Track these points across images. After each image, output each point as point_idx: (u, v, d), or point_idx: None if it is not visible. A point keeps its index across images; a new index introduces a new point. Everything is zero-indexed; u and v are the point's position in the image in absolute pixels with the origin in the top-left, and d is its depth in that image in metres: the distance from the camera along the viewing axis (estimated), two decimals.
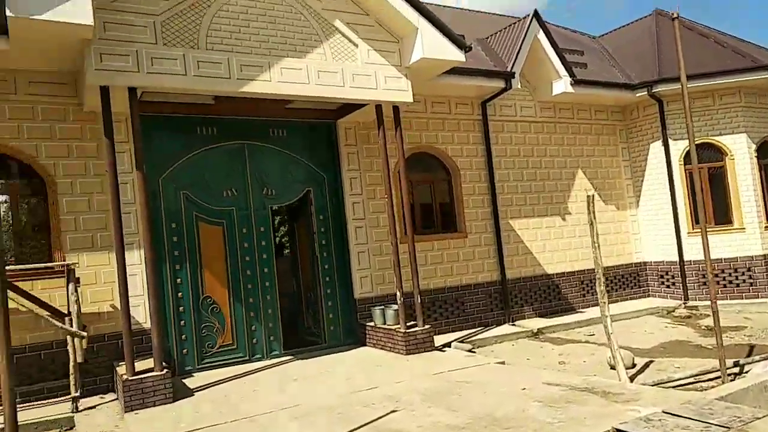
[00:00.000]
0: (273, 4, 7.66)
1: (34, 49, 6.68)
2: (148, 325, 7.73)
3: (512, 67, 10.69)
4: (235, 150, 8.71)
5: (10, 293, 6.59)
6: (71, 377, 6.51)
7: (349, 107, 9.08)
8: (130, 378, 6.29)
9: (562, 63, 11.44)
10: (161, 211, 8.08)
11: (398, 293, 8.32)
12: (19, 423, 3.43)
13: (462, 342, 9.28)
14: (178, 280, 8.08)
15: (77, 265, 7.20)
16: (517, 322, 10.76)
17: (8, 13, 5.73)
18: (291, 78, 7.62)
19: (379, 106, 8.50)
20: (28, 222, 7.58)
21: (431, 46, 8.29)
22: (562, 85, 11.46)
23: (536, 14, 11.33)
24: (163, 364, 6.61)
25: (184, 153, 8.35)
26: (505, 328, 10.30)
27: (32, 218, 7.58)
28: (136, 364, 6.49)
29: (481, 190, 11.01)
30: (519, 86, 10.84)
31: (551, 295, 11.55)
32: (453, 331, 10.15)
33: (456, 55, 8.59)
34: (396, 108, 8.64)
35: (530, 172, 11.70)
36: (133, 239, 7.69)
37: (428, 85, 9.81)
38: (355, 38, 8.18)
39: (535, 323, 10.54)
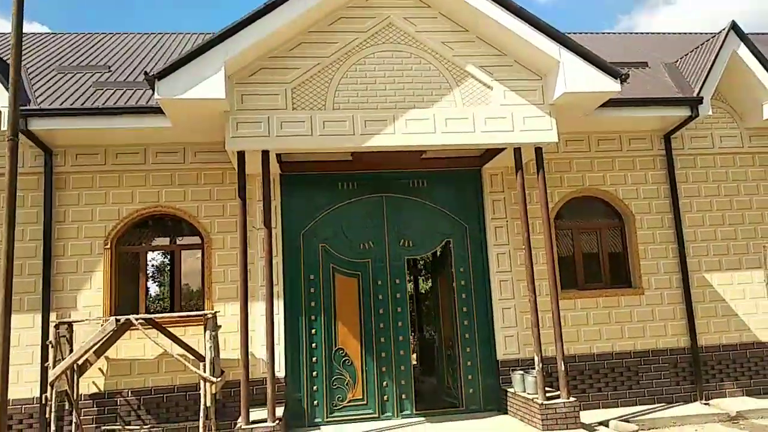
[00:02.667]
0: (401, 58, 7.62)
1: (190, 124, 7.62)
2: (282, 373, 8.11)
3: (699, 92, 8.94)
4: (374, 203, 8.77)
5: (158, 335, 7.49)
6: (200, 420, 7.05)
7: (492, 152, 8.54)
8: (243, 427, 6.57)
9: None
10: (300, 264, 8.47)
11: (536, 358, 7.35)
12: None
13: (627, 421, 7.78)
14: (313, 331, 8.32)
15: (219, 313, 7.88)
16: (712, 401, 8.69)
17: (156, 95, 6.65)
18: (416, 129, 7.43)
19: (518, 149, 7.79)
20: (190, 274, 8.60)
21: (575, 78, 7.38)
22: None
23: (734, 26, 9.39)
24: (277, 415, 6.77)
25: (324, 208, 8.69)
26: (693, 408, 8.38)
27: (191, 271, 8.58)
28: (258, 412, 6.78)
29: (664, 238, 9.30)
30: (710, 113, 9.00)
31: (766, 369, 9.11)
32: (622, 406, 8.60)
33: (608, 86, 7.51)
34: (538, 149, 7.82)
35: (735, 214, 9.55)
36: (274, 290, 8.13)
37: (590, 121, 8.76)
38: (488, 81, 7.68)
39: (737, 404, 8.39)
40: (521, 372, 7.81)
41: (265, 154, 7.26)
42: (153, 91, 6.65)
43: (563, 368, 7.30)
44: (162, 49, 11.00)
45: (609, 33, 14.96)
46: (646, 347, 8.92)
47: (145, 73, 6.54)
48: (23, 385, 7.79)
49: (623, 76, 7.48)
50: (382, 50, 7.56)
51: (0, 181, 8.13)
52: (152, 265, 8.65)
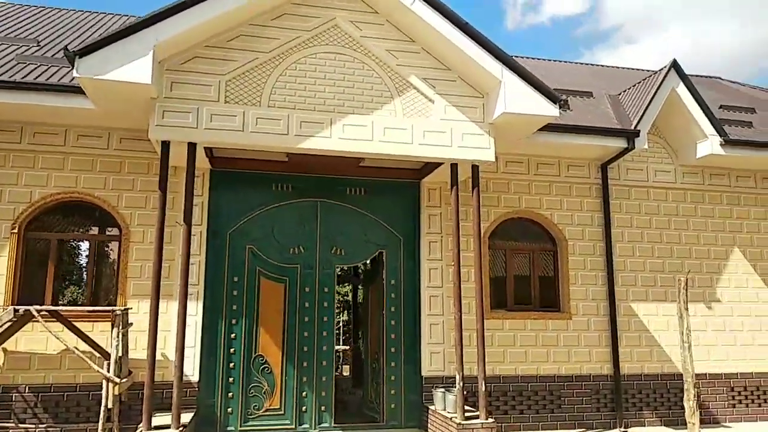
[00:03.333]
0: (344, 62, 7.44)
1: (114, 108, 7.19)
2: (195, 378, 7.72)
3: (637, 125, 9.13)
4: (308, 207, 8.53)
5: (63, 330, 6.99)
6: (100, 422, 6.59)
7: (431, 166, 8.45)
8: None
9: (709, 120, 9.53)
10: (225, 264, 8.13)
11: (458, 376, 7.22)
12: None
13: None
14: (233, 335, 7.97)
15: (132, 310, 7.45)
16: (630, 429, 8.76)
17: (75, 73, 6.24)
18: (353, 135, 7.25)
19: (454, 165, 7.71)
20: (104, 267, 8.12)
21: (514, 99, 7.36)
22: (708, 146, 9.52)
23: (674, 64, 9.68)
24: (182, 421, 6.38)
25: (256, 208, 8.38)
26: None
27: (106, 264, 8.10)
28: (166, 417, 6.38)
29: (595, 265, 9.40)
30: (646, 146, 9.19)
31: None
32: (543, 430, 8.58)
33: (546, 110, 7.52)
34: (475, 167, 7.76)
35: (664, 247, 9.75)
36: (193, 290, 7.78)
37: (530, 144, 8.81)
38: (431, 94, 7.59)
39: None
40: (443, 390, 7.67)
41: (192, 146, 6.91)
42: (73, 68, 6.24)
43: (483, 388, 7.19)
44: (103, 29, 10.48)
45: (562, 61, 15.25)
46: (571, 372, 8.95)
47: (65, 49, 6.13)
48: None
49: (562, 101, 7.55)
50: (325, 51, 7.37)
51: None
52: (65, 255, 8.08)
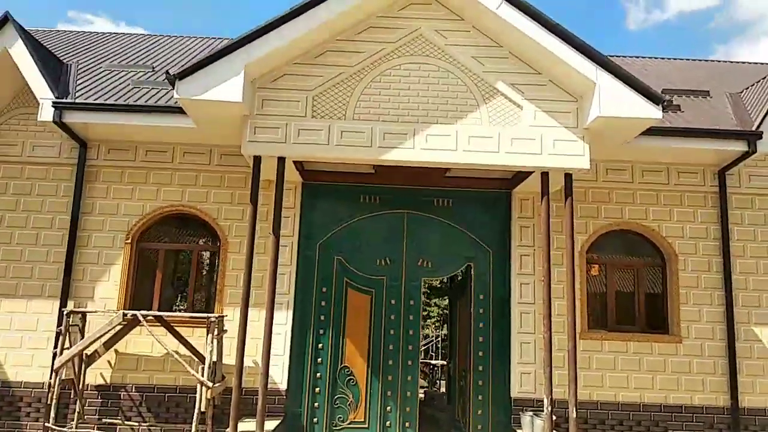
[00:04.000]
0: (428, 71, 7.35)
1: (212, 126, 7.63)
2: (284, 386, 7.93)
3: (759, 126, 8.17)
4: (395, 219, 8.51)
5: (166, 334, 7.48)
6: (193, 424, 6.95)
7: (523, 175, 8.10)
8: None
9: None
10: (314, 275, 8.31)
11: (546, 400, 6.77)
12: None
13: None
14: (320, 346, 8.10)
15: (227, 317, 7.82)
16: None
17: (175, 95, 6.71)
18: (436, 145, 7.12)
19: (545, 174, 7.32)
20: (205, 276, 8.61)
21: (610, 102, 6.86)
22: None
23: None
24: (266, 428, 6.56)
25: (345, 220, 8.51)
26: None
27: (207, 273, 8.59)
28: (247, 423, 6.61)
29: (710, 283, 8.49)
30: None
31: None
32: None
33: (647, 112, 6.91)
34: (568, 175, 7.32)
35: None
36: (283, 299, 8.04)
37: (633, 149, 8.21)
38: (519, 99, 7.29)
39: None
40: (531, 414, 7.28)
41: (281, 160, 7.16)
42: (174, 90, 6.72)
43: (575, 415, 6.68)
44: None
45: (679, 59, 14.07)
46: (679, 402, 8.12)
47: (167, 73, 6.61)
48: (36, 369, 8.02)
49: (665, 102, 6.89)
50: (409, 62, 7.34)
51: (35, 170, 8.51)
52: (171, 264, 8.68)
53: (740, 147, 8.18)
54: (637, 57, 13.75)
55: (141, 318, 7.24)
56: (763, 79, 9.38)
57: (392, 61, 7.34)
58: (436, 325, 27.48)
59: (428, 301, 27.61)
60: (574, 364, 6.84)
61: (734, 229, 8.65)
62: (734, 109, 9.21)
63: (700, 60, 14.40)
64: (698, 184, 8.80)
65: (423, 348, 21.06)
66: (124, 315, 7.27)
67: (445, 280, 11.70)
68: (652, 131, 7.67)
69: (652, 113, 6.91)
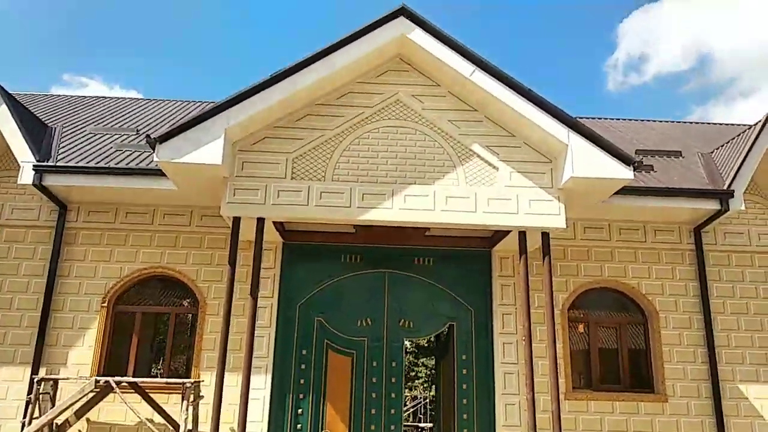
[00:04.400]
0: (406, 134, 7.53)
1: (193, 188, 7.69)
2: None
3: (730, 185, 8.39)
4: (376, 278, 8.50)
5: (141, 401, 7.25)
6: None
7: (501, 234, 8.18)
8: None
9: None
10: (294, 337, 8.19)
11: None
12: None
13: None
14: (300, 411, 7.89)
15: (204, 383, 7.62)
16: None
17: (155, 158, 6.79)
18: (414, 205, 7.22)
19: (522, 233, 7.41)
20: (183, 339, 8.45)
21: (582, 163, 7.04)
22: None
23: None
24: None
25: (325, 280, 8.48)
26: None
27: (185, 336, 8.44)
28: None
29: (692, 340, 8.48)
30: (742, 207, 8.38)
31: None
32: None
33: (618, 173, 7.09)
34: (545, 234, 7.41)
35: None
36: (262, 363, 7.87)
37: (609, 209, 8.37)
38: (494, 161, 7.46)
39: None
40: None
41: (260, 221, 7.19)
42: (154, 154, 6.80)
43: None
44: None
45: (653, 120, 14.53)
46: None
47: (147, 137, 6.72)
48: None
49: (635, 163, 7.09)
50: (387, 125, 7.53)
51: (13, 233, 8.45)
52: (149, 328, 8.51)
53: (713, 206, 8.38)
54: (615, 119, 14.22)
55: (114, 385, 7.03)
56: (733, 139, 9.70)
57: (371, 125, 7.53)
58: (425, 385, 26.87)
59: (416, 360, 27.14)
60: (559, 426, 6.70)
61: (713, 285, 8.73)
62: (706, 168, 9.48)
63: (675, 122, 14.91)
64: (675, 241, 8.93)
65: (412, 410, 20.54)
66: (97, 382, 7.05)
67: (432, 339, 11.58)
68: (627, 190, 7.85)
69: (624, 174, 7.09)
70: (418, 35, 7.31)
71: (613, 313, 8.80)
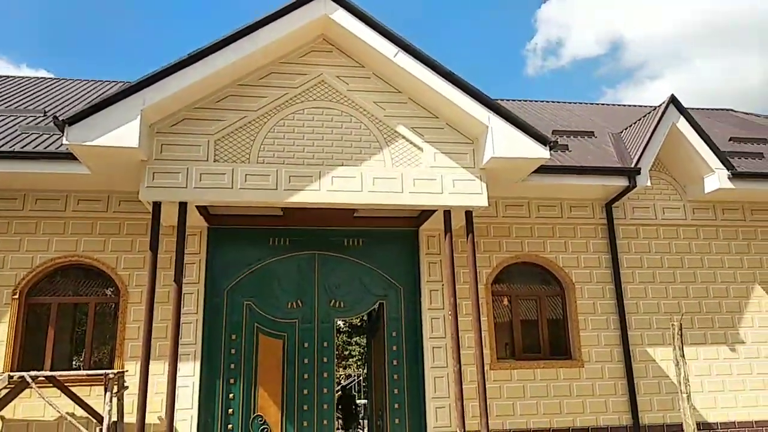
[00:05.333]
0: (331, 115, 7.52)
1: (109, 172, 7.36)
2: None
3: (637, 162, 8.95)
4: (305, 260, 8.49)
5: (60, 395, 6.95)
6: None
7: (428, 213, 8.36)
8: None
9: (715, 153, 9.29)
10: (223, 322, 8.07)
11: None
12: None
13: None
14: (231, 396, 7.83)
15: (128, 372, 7.41)
16: None
17: (65, 141, 6.43)
18: (342, 186, 7.25)
19: (447, 212, 7.61)
20: (104, 329, 8.13)
21: (502, 144, 7.30)
22: (715, 180, 9.24)
23: (673, 99, 9.55)
24: None
25: (253, 264, 8.37)
26: None
27: (106, 326, 8.13)
28: None
29: (605, 309, 9.05)
30: (648, 184, 8.96)
31: None
32: None
33: (536, 152, 7.42)
34: (468, 213, 7.65)
35: (678, 287, 9.36)
36: (190, 350, 7.73)
37: (529, 187, 8.70)
38: (419, 142, 7.59)
39: None
40: None
41: (182, 206, 6.99)
42: (63, 136, 6.44)
43: None
44: None
45: (568, 102, 15.21)
46: (587, 424, 8.50)
47: (54, 118, 6.34)
48: None
49: (552, 143, 7.43)
50: (312, 107, 7.48)
51: None
52: (66, 319, 8.12)
53: (622, 182, 8.91)
54: (534, 101, 14.77)
55: (29, 379, 6.69)
56: (640, 120, 10.32)
57: (296, 106, 7.45)
58: (358, 363, 27.23)
59: (350, 340, 27.45)
60: (484, 396, 7.02)
61: (623, 257, 9.32)
62: (616, 147, 10.05)
63: (588, 104, 15.67)
64: (588, 216, 9.45)
65: (347, 387, 20.80)
66: (10, 378, 6.69)
67: (364, 318, 11.73)
68: (544, 169, 8.21)
69: (541, 153, 7.42)
70: (341, 15, 7.28)
71: (534, 286, 9.24)
